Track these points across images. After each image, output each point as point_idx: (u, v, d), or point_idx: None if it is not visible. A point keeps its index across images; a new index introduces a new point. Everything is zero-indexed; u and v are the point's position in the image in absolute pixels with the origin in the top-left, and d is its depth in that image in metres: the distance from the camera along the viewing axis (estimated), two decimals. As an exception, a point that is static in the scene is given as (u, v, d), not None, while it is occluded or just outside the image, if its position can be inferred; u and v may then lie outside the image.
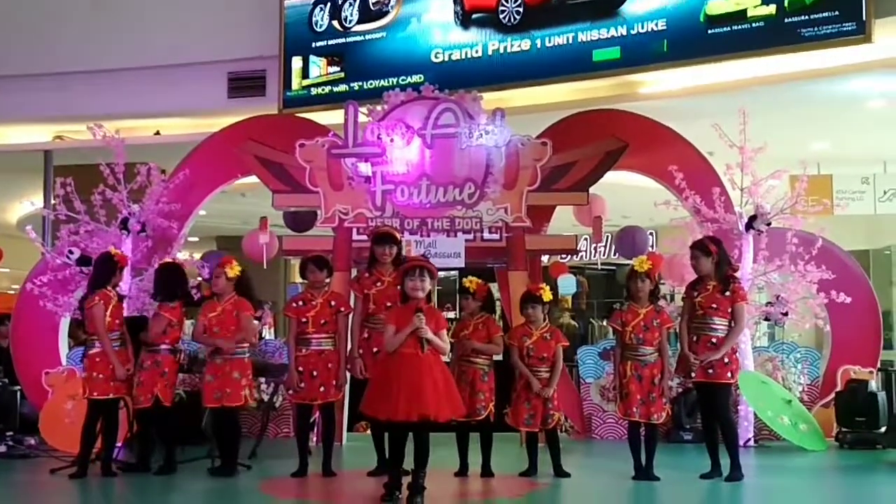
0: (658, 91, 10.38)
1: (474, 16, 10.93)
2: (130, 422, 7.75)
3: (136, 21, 12.00)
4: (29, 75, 12.23)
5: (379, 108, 9.18)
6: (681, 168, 8.93)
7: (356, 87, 11.44)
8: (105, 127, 9.46)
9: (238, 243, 11.54)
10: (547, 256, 11.83)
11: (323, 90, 11.70)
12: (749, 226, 8.79)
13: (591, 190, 9.22)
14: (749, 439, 8.58)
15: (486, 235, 9.01)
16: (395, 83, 10.07)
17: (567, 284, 11.55)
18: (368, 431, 8.95)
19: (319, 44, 11.75)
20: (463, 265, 9.11)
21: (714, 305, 6.90)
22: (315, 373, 7.11)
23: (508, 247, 9.00)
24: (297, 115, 10.72)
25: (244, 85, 11.88)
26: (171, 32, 11.90)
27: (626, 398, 6.93)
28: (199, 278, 9.17)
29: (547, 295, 7.15)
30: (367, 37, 11.55)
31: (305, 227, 10.03)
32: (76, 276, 8.93)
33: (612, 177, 9.35)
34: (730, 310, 6.91)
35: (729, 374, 6.91)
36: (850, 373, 8.98)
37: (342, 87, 11.55)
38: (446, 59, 11.06)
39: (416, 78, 10.53)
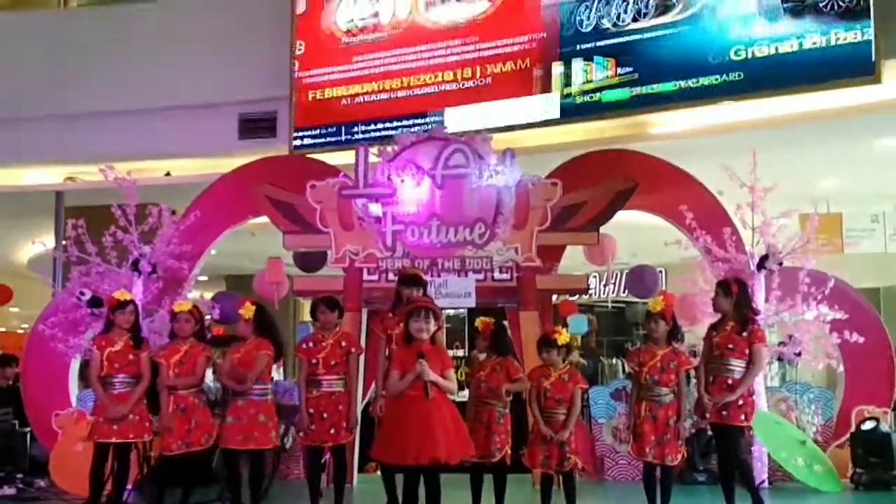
0: (668, 131, 10.41)
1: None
2: (141, 464, 7.73)
3: (147, 63, 12.07)
4: (41, 117, 12.33)
5: (389, 148, 9.23)
6: (691, 208, 8.93)
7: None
8: (116, 168, 9.50)
9: (248, 282, 11.56)
10: (556, 295, 11.81)
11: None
12: (760, 265, 8.77)
13: (601, 229, 9.23)
14: (763, 480, 8.50)
15: (497, 275, 9.03)
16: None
17: (578, 325, 11.50)
18: (379, 473, 8.94)
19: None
20: (474, 305, 9.11)
21: (731, 346, 6.87)
22: (325, 415, 7.07)
23: (519, 286, 8.99)
24: (307, 155, 10.79)
25: (255, 126, 11.95)
26: (181, 74, 11.97)
27: (640, 438, 6.87)
28: (209, 317, 9.17)
29: (563, 338, 7.12)
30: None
31: (315, 268, 10.04)
32: (87, 318, 8.92)
33: (620, 216, 9.36)
34: (747, 351, 6.88)
35: (742, 417, 6.85)
36: (864, 413, 8.91)
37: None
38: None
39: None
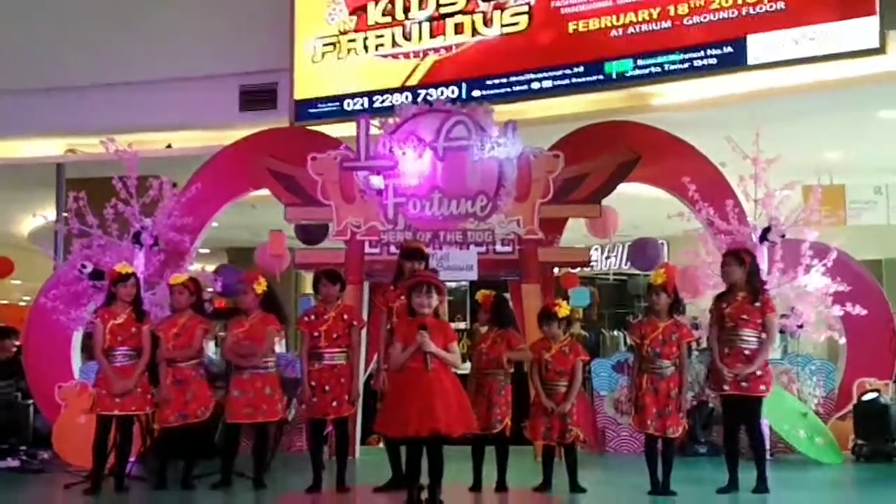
0: (670, 102, 10.36)
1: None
2: (143, 437, 7.76)
3: (148, 35, 12.00)
4: (41, 89, 12.31)
5: (391, 120, 9.19)
6: (694, 180, 8.90)
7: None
8: (117, 140, 9.46)
9: (249, 255, 11.55)
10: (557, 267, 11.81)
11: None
12: (763, 238, 8.74)
13: (603, 201, 9.20)
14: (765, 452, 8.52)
15: (499, 248, 9.01)
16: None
17: (580, 297, 11.49)
18: (381, 445, 8.98)
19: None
20: (476, 278, 9.11)
21: (745, 317, 6.87)
22: (327, 387, 7.08)
23: (521, 259, 8.97)
24: (308, 127, 10.75)
25: (256, 98, 11.92)
26: (182, 46, 11.91)
27: (641, 411, 6.89)
28: (210, 290, 9.17)
29: (563, 311, 7.12)
30: None
31: (317, 240, 10.03)
32: (88, 290, 8.91)
33: (622, 188, 9.34)
34: (760, 321, 6.87)
35: (762, 387, 6.89)
36: (866, 385, 8.92)
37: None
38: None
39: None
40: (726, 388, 6.87)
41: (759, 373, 6.85)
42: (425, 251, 7.29)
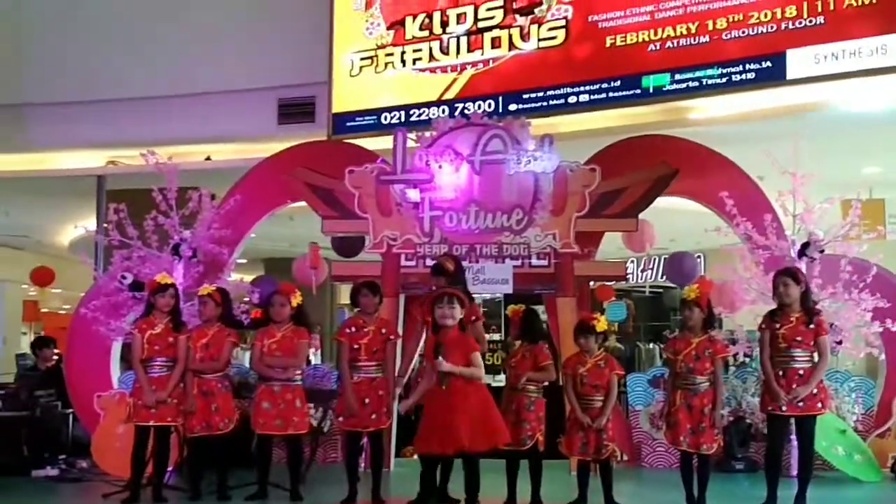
0: (707, 117, 10.32)
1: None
2: (181, 446, 7.82)
3: (188, 48, 12.18)
4: (83, 102, 12.50)
5: (427, 134, 9.23)
6: (732, 194, 8.84)
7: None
8: (157, 153, 9.58)
9: (286, 266, 11.64)
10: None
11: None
12: (801, 253, 8.67)
13: (640, 215, 9.18)
14: (802, 470, 8.45)
15: (535, 262, 8.98)
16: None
17: (616, 312, 11.47)
18: (415, 457, 8.99)
19: None
20: (511, 291, 9.09)
21: (799, 338, 6.81)
22: (367, 400, 7.13)
23: (557, 273, 8.96)
24: (345, 141, 10.82)
25: (294, 111, 12.03)
26: (221, 59, 12.08)
27: (675, 427, 6.85)
28: (246, 299, 9.25)
29: (602, 325, 7.11)
30: None
31: (353, 253, 10.08)
32: (128, 301, 9.02)
33: (659, 201, 9.29)
34: (812, 342, 6.82)
35: (819, 405, 6.84)
36: (905, 402, 8.82)
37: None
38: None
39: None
40: (784, 409, 6.79)
41: (814, 391, 6.79)
42: (448, 266, 7.22)
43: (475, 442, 5.97)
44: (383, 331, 7.28)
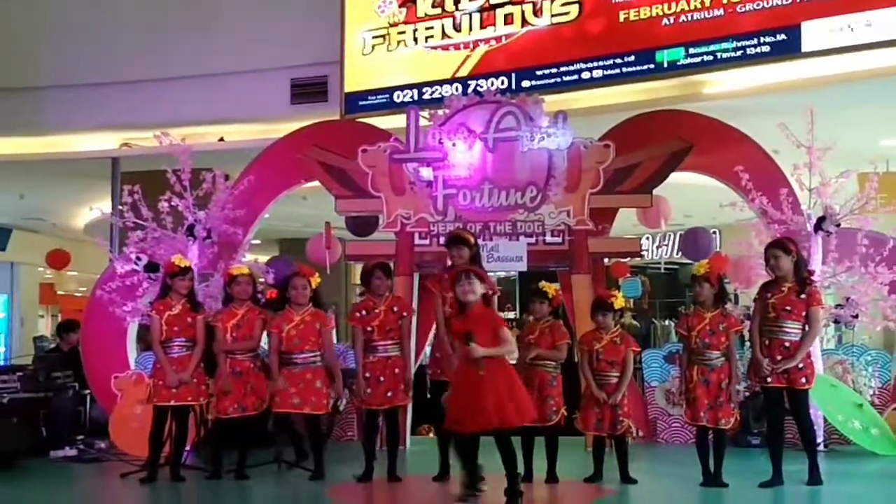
0: (722, 91, 10.25)
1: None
2: (198, 427, 7.87)
3: (200, 29, 12.17)
4: (97, 84, 12.51)
5: (440, 112, 9.20)
6: (747, 169, 8.78)
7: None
8: (171, 134, 9.59)
9: (300, 246, 11.64)
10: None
11: None
12: (818, 227, 8.63)
13: (654, 191, 9.14)
14: (819, 444, 8.43)
15: (549, 239, 8.96)
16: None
17: (631, 288, 11.45)
18: (432, 435, 9.03)
19: None
20: (525, 269, 9.08)
21: (788, 308, 6.78)
22: (382, 378, 7.18)
23: (571, 250, 8.94)
24: (358, 120, 10.80)
25: (306, 91, 12.01)
26: (233, 40, 12.06)
27: (693, 403, 6.86)
28: (261, 280, 9.26)
29: (619, 302, 7.11)
30: None
31: (368, 232, 10.08)
32: (143, 282, 9.06)
33: (674, 177, 9.25)
34: (804, 313, 6.79)
35: (804, 380, 6.79)
36: (924, 375, 8.78)
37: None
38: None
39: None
40: (769, 380, 6.79)
41: (800, 365, 6.75)
42: (470, 239, 7.16)
43: (504, 419, 5.98)
44: (395, 309, 7.30)
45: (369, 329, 7.21)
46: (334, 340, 7.60)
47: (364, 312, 7.27)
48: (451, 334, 6.40)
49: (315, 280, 7.38)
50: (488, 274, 6.55)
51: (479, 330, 6.03)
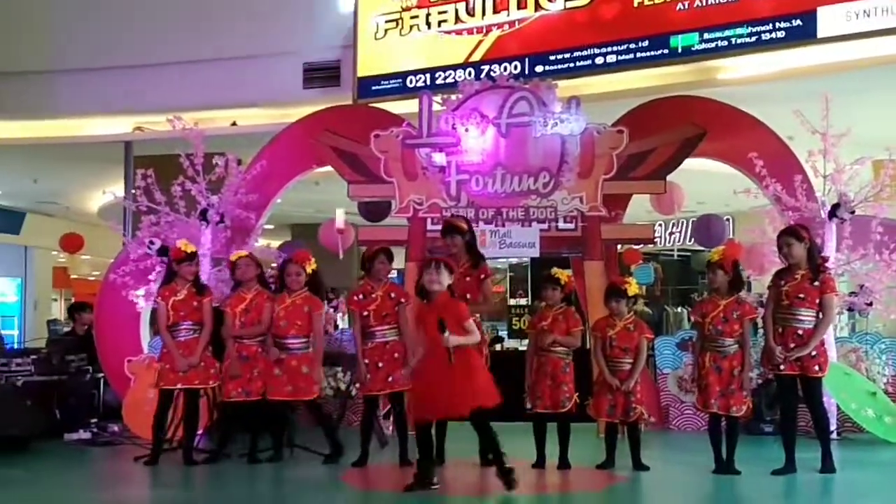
0: (737, 77, 10.20)
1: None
2: (210, 410, 7.88)
3: (213, 13, 12.14)
4: (109, 68, 12.55)
5: (453, 97, 9.17)
6: (761, 155, 8.75)
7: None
8: (184, 118, 9.59)
9: (313, 231, 11.65)
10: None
11: None
12: (832, 214, 8.59)
13: (668, 177, 9.11)
14: (832, 432, 8.40)
15: (561, 225, 8.96)
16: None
17: (643, 275, 11.43)
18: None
19: None
20: (537, 255, 9.07)
21: (802, 295, 6.73)
22: (380, 364, 7.17)
23: (584, 236, 8.92)
24: (371, 105, 10.79)
25: (319, 75, 12.00)
26: (246, 24, 12.04)
27: (705, 390, 6.83)
28: (274, 265, 9.27)
29: (633, 289, 7.09)
30: None
31: (380, 217, 10.07)
32: (157, 266, 9.07)
33: (687, 163, 9.22)
34: (818, 301, 6.75)
35: (817, 368, 6.74)
36: (938, 364, 8.74)
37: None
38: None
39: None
40: (782, 367, 6.76)
41: (813, 353, 6.71)
42: (462, 226, 7.19)
43: (457, 405, 6.00)
44: (392, 295, 7.29)
45: (365, 314, 7.21)
46: (322, 323, 7.57)
47: (361, 296, 7.28)
48: (416, 320, 6.41)
49: (310, 266, 7.37)
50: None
51: (446, 320, 6.04)
